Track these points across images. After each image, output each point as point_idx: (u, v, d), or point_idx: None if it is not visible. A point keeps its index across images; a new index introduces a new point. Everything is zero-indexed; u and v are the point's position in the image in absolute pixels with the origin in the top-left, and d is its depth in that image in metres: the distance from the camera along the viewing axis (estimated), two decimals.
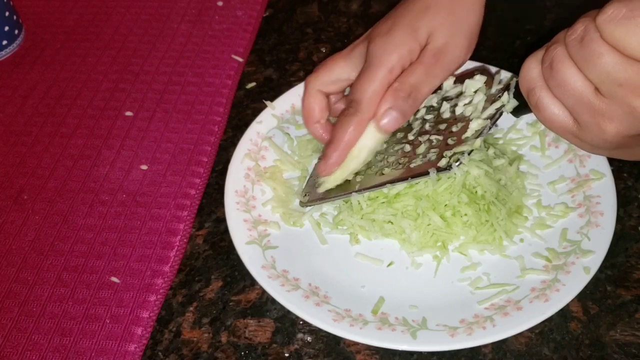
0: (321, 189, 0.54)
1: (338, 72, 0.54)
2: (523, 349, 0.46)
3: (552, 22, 0.73)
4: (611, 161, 0.55)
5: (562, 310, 0.47)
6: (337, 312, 0.47)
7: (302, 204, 0.54)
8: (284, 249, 0.52)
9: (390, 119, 0.49)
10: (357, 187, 0.51)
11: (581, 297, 0.48)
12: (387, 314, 0.47)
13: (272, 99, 0.62)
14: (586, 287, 0.48)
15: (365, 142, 0.51)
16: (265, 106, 0.61)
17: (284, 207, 0.55)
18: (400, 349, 0.46)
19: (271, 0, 0.78)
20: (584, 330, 0.47)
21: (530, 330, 0.47)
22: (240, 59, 0.70)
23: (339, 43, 0.72)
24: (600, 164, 0.55)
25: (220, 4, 0.77)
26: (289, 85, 0.64)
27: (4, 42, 0.70)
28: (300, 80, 0.66)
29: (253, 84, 0.68)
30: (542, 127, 0.58)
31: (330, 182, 0.53)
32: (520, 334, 0.47)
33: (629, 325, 0.47)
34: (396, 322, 0.47)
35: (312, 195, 0.54)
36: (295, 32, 0.74)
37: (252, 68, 0.70)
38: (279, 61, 0.71)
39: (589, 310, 0.48)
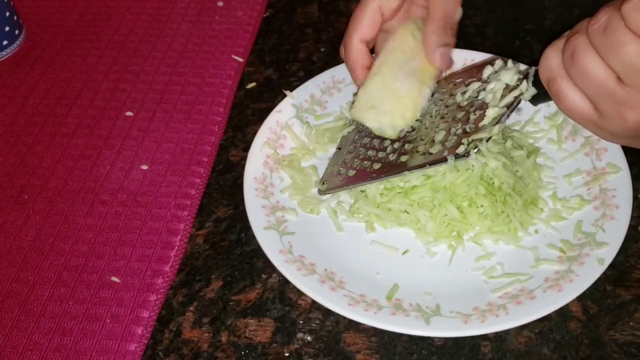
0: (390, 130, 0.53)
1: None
2: (523, 348, 0.47)
3: (552, 22, 0.73)
4: None
5: (561, 309, 0.47)
6: (352, 297, 0.47)
7: (321, 192, 0.55)
8: (301, 235, 0.52)
9: None
10: (374, 176, 0.51)
11: (581, 296, 0.48)
12: (401, 300, 0.48)
13: (272, 99, 0.62)
14: None
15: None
16: (271, 102, 0.62)
17: (301, 194, 0.55)
18: (413, 334, 0.46)
19: (271, 0, 0.78)
20: (583, 330, 0.47)
21: (530, 329, 0.47)
22: (241, 59, 0.70)
23: (338, 43, 0.72)
24: (616, 157, 0.54)
25: (220, 4, 0.77)
26: (289, 86, 0.64)
27: (5, 42, 0.70)
28: (300, 80, 0.66)
29: (253, 84, 0.68)
30: (560, 120, 0.59)
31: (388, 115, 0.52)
32: (520, 334, 0.47)
33: (629, 325, 0.48)
34: (410, 308, 0.47)
35: (331, 183, 0.55)
36: (295, 33, 0.74)
37: (252, 68, 0.70)
38: (279, 61, 0.71)
39: (588, 310, 0.48)
